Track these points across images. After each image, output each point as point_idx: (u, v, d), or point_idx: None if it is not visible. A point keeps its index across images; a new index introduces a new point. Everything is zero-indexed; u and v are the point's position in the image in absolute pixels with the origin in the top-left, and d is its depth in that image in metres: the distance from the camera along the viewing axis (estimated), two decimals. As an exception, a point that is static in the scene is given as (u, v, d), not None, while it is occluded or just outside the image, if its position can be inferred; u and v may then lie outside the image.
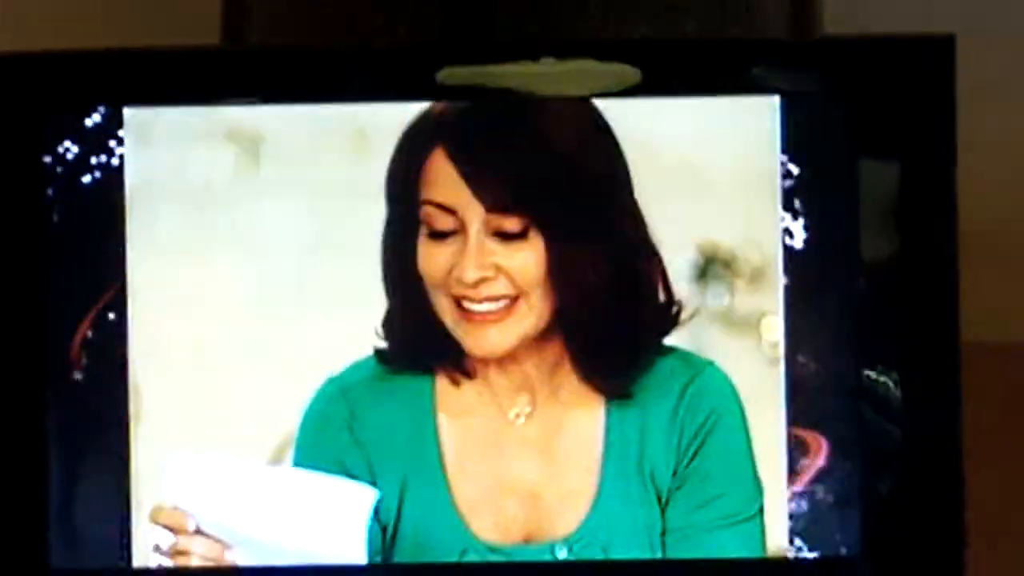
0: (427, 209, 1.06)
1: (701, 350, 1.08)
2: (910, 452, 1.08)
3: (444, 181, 1.06)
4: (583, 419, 1.08)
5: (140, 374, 1.10)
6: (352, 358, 1.09)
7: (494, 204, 1.04)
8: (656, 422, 1.07)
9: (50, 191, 1.09)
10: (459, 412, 1.08)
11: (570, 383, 1.08)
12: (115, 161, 1.09)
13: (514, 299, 1.06)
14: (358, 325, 1.08)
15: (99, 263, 1.10)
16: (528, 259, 1.05)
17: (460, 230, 1.05)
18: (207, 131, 1.09)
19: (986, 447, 1.09)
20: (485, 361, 1.07)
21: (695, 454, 1.07)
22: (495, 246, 1.05)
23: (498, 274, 1.05)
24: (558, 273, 1.06)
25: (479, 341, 1.06)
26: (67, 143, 1.09)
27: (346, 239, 1.08)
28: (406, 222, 1.07)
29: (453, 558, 1.08)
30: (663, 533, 1.07)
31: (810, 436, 1.08)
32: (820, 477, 1.08)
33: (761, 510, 1.08)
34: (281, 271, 1.09)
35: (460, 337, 1.07)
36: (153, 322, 1.10)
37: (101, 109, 1.09)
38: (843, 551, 1.08)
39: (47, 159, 1.09)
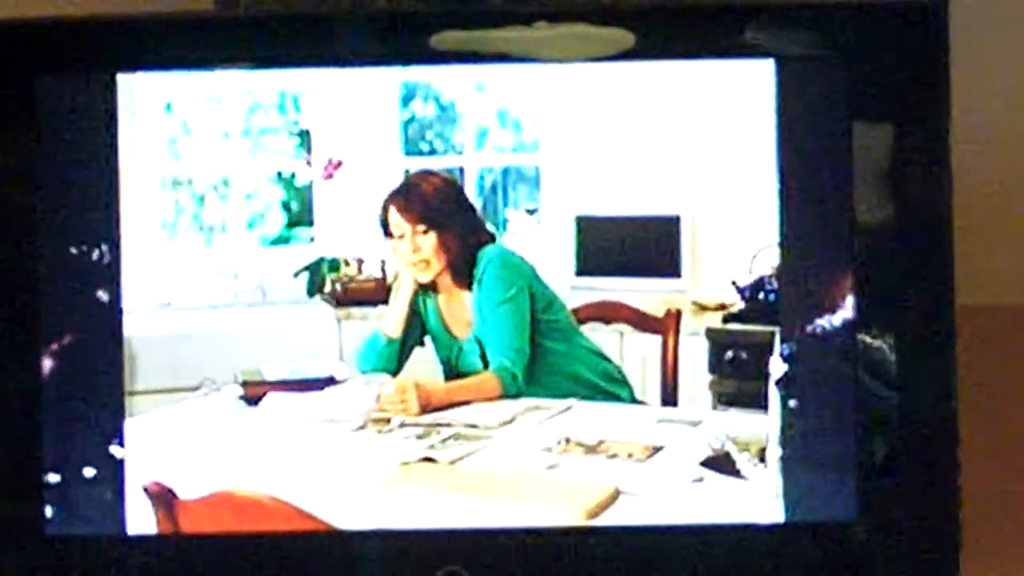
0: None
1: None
2: (906, 415, 1.08)
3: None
4: None
5: (136, 342, 1.10)
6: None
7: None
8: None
9: (43, 157, 1.09)
10: None
11: None
12: (108, 127, 1.09)
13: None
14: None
15: (93, 227, 1.09)
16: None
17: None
18: (201, 97, 1.09)
19: (981, 409, 1.10)
20: None
21: None
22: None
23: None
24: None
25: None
26: (60, 109, 1.09)
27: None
28: None
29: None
30: None
31: (808, 400, 1.09)
32: (816, 439, 1.09)
33: None
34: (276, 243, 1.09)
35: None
36: (148, 288, 1.09)
37: (94, 75, 1.09)
38: (839, 514, 1.09)
39: (40, 125, 1.09)
